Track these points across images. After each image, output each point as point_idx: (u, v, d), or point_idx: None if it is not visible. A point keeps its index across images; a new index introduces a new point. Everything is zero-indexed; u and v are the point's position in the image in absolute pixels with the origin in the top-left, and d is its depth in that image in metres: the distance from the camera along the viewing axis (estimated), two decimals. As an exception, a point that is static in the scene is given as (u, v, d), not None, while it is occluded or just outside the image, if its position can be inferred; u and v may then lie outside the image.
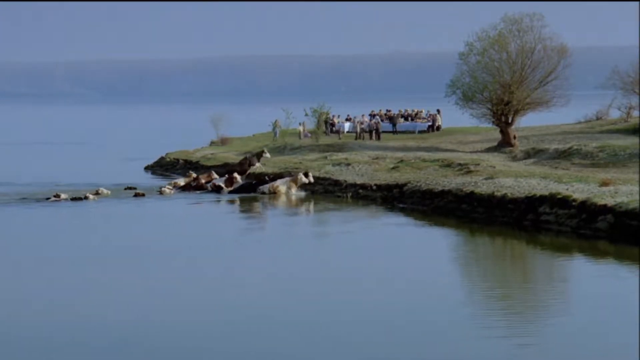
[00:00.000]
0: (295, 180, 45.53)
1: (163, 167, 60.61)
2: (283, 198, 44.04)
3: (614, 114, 66.37)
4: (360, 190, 43.55)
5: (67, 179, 51.56)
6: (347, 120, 70.25)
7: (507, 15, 56.60)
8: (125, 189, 46.77)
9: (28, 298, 23.13)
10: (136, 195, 44.42)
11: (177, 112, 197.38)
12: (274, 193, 45.08)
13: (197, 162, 57.66)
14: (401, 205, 40.16)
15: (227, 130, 70.29)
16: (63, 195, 43.03)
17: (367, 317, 20.45)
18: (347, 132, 67.38)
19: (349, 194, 43.64)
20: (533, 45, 56.17)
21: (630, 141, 49.48)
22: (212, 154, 60.50)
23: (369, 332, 19.27)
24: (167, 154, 62.95)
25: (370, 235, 34.11)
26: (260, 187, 45.95)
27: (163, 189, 46.03)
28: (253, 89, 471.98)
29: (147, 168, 61.46)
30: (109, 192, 45.02)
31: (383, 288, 23.67)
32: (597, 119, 66.85)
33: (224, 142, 67.31)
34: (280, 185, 45.49)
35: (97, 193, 44.39)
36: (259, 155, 51.86)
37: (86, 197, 43.02)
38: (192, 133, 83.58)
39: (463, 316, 20.37)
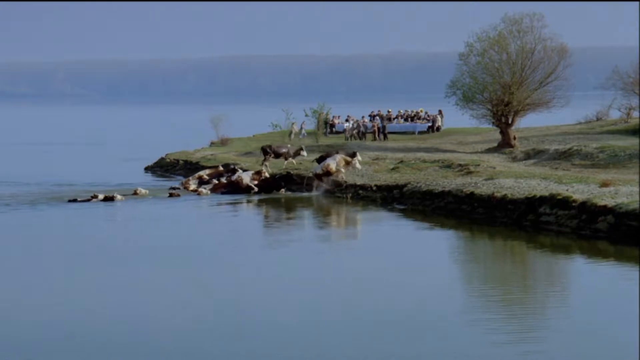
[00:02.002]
0: (346, 162, 45.16)
1: (163, 168, 60.60)
2: (313, 202, 43.50)
3: (614, 115, 66.37)
4: (360, 191, 43.55)
5: (72, 179, 51.62)
6: (346, 121, 70.27)
7: (507, 16, 56.65)
8: (169, 189, 46.63)
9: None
10: (171, 195, 44.33)
11: (177, 112, 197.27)
12: (327, 173, 44.90)
13: (197, 163, 57.62)
14: (401, 206, 40.16)
15: (227, 131, 70.28)
16: (100, 196, 42.88)
17: (363, 320, 20.41)
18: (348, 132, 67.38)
19: (349, 195, 43.64)
20: (533, 45, 56.18)
21: (630, 142, 49.48)
22: (212, 154, 60.46)
23: (365, 335, 19.24)
24: (167, 154, 62.93)
25: (370, 236, 34.11)
26: (313, 169, 45.82)
27: (200, 189, 45.61)
28: (253, 89, 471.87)
29: (147, 168, 61.47)
30: (147, 191, 44.92)
31: (381, 290, 23.63)
32: (597, 119, 66.84)
33: (224, 142, 67.29)
34: (331, 163, 45.18)
35: (135, 193, 44.32)
36: (297, 152, 50.88)
37: (113, 198, 42.63)
38: (192, 133, 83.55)
39: (464, 321, 20.18)
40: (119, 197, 42.91)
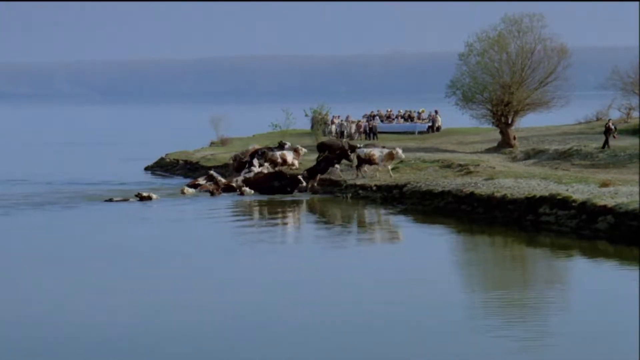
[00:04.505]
0: (391, 155, 45.22)
1: (163, 168, 60.59)
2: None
3: (614, 115, 66.37)
4: (360, 191, 43.55)
5: (75, 180, 51.77)
6: (346, 120, 70.29)
7: (507, 16, 56.69)
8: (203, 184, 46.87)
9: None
10: (212, 194, 44.46)
11: (177, 112, 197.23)
12: (368, 160, 44.97)
13: (197, 163, 57.64)
14: (401, 206, 40.15)
15: (227, 131, 70.27)
16: (145, 194, 43.07)
17: (360, 322, 20.36)
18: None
19: (349, 195, 43.63)
20: (533, 45, 56.22)
21: (630, 142, 49.49)
22: (212, 154, 60.45)
23: (361, 337, 19.20)
24: (167, 154, 62.94)
25: (369, 236, 34.10)
26: (357, 151, 45.84)
27: (243, 188, 45.09)
28: (253, 89, 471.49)
29: (147, 168, 61.49)
30: (194, 190, 45.03)
31: (382, 292, 23.59)
32: (597, 119, 66.85)
33: (224, 142, 67.26)
34: (376, 152, 45.22)
35: (183, 193, 44.56)
36: (353, 148, 50.36)
37: (149, 197, 42.69)
38: (192, 133, 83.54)
39: (465, 327, 19.98)
40: (154, 197, 42.94)
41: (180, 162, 59.81)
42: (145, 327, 20.19)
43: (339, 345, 18.62)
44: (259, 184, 45.73)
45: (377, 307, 21.64)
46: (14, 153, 79.47)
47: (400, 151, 45.40)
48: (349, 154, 46.77)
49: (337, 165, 46.40)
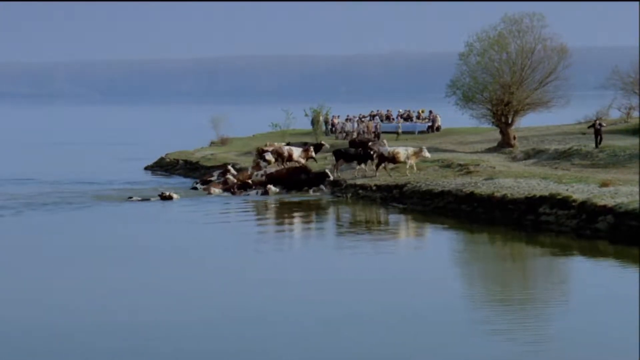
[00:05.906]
0: (416, 153, 45.32)
1: (163, 168, 60.65)
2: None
3: (614, 115, 66.33)
4: (360, 191, 43.54)
5: (80, 179, 51.84)
6: (346, 120, 70.29)
7: (507, 16, 56.58)
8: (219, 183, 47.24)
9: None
10: (233, 193, 44.68)
11: (177, 112, 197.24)
12: (392, 159, 45.07)
13: (197, 163, 57.66)
14: (401, 206, 40.15)
15: (227, 131, 70.33)
16: (166, 193, 43.23)
17: (362, 323, 20.34)
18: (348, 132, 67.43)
19: (349, 195, 43.62)
20: (533, 45, 56.12)
21: (630, 142, 49.48)
22: (212, 154, 60.48)
23: (362, 337, 19.18)
24: (167, 154, 62.98)
25: (369, 236, 34.09)
26: (380, 149, 46.01)
27: (268, 187, 44.92)
28: (253, 89, 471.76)
29: (147, 168, 61.53)
30: (220, 191, 45.16)
31: (381, 291, 23.57)
32: (597, 119, 66.78)
33: (224, 142, 67.31)
34: (401, 151, 45.35)
35: (209, 193, 44.73)
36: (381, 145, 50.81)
37: (170, 197, 42.69)
38: (192, 133, 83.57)
39: (465, 329, 19.88)
40: (175, 196, 42.98)
41: (180, 161, 59.88)
42: (160, 328, 20.24)
43: (340, 345, 18.60)
44: (285, 178, 45.73)
45: (378, 307, 21.62)
46: (15, 153, 79.46)
47: (426, 152, 45.61)
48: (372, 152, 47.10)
49: (362, 165, 46.55)
